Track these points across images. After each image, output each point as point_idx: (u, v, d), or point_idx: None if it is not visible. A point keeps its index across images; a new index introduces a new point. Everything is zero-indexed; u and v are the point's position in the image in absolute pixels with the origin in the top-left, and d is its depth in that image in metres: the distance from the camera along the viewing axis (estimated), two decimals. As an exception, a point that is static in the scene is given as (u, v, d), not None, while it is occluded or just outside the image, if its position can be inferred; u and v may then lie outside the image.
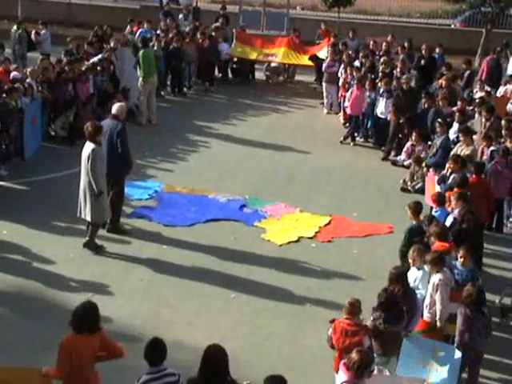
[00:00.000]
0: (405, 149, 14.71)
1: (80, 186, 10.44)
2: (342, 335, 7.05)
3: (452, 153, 12.07)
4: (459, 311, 7.56)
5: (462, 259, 8.50)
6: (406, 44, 18.61)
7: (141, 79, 16.64)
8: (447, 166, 11.43)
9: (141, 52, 16.68)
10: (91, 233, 10.56)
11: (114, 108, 11.22)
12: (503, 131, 12.56)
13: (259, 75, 21.77)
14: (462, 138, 12.36)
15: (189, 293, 9.67)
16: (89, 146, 10.20)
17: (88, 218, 10.42)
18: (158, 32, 19.78)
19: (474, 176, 10.90)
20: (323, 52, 19.55)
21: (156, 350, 5.99)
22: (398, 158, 14.91)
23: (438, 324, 7.94)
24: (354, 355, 6.31)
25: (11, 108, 13.05)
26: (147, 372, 5.98)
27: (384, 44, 18.90)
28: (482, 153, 12.24)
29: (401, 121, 14.86)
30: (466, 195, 9.79)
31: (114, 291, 9.54)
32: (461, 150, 12.08)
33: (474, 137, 12.82)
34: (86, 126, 10.31)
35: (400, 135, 15.10)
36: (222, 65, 21.04)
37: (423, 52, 17.99)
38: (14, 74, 14.63)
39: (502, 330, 9.14)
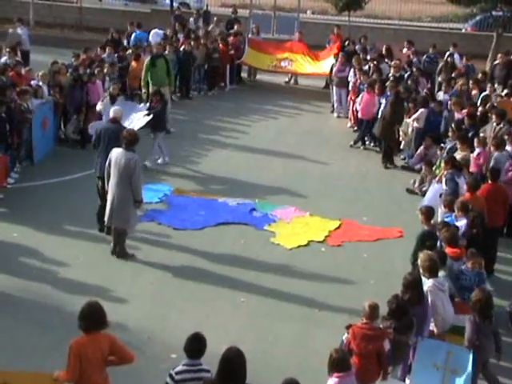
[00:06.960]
0: (418, 152, 14.64)
1: (110, 193, 10.20)
2: (364, 340, 6.96)
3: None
4: (468, 318, 7.46)
5: (470, 263, 8.50)
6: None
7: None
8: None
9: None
10: (122, 241, 10.48)
11: (112, 111, 11.24)
12: (505, 136, 12.41)
13: (267, 78, 21.83)
14: (458, 146, 12.21)
15: (197, 296, 9.65)
16: (127, 155, 9.94)
17: (119, 226, 10.31)
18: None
19: (490, 182, 10.81)
20: (329, 61, 19.45)
21: (197, 345, 6.18)
22: (410, 161, 14.86)
23: (435, 331, 7.85)
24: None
25: (23, 110, 13.08)
26: (184, 363, 6.17)
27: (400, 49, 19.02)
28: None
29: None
30: (468, 205, 9.70)
31: (123, 295, 9.52)
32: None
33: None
34: (126, 133, 10.08)
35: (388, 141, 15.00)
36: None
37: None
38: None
39: (509, 336, 9.05)
